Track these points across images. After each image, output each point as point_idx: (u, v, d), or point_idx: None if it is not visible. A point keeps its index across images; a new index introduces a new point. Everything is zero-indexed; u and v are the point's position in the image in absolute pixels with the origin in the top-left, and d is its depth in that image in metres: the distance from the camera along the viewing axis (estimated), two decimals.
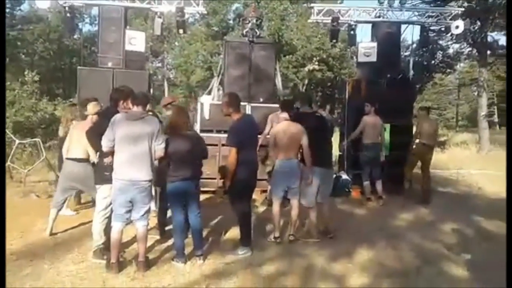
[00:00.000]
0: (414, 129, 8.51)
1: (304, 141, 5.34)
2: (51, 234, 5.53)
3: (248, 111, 8.63)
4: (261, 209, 7.39)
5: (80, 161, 5.34)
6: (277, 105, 8.24)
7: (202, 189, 7.05)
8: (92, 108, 5.34)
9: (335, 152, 10.15)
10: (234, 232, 5.58)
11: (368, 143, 8.19)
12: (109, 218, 4.56)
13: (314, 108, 6.68)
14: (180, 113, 4.89)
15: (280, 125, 5.58)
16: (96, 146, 4.53)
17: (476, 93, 24.61)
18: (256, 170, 5.17)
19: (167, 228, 5.54)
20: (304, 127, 5.41)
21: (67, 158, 5.48)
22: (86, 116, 5.42)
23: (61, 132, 6.76)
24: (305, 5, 24.87)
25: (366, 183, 8.29)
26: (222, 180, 5.18)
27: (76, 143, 5.35)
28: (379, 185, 8.20)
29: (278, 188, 5.59)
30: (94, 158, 5.01)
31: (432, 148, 8.67)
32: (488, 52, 19.91)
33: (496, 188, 9.58)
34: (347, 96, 9.85)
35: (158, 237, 5.46)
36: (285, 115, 5.65)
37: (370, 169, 8.26)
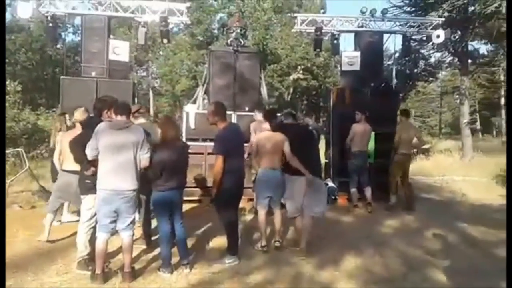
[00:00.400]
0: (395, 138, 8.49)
1: (286, 148, 5.31)
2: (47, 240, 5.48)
3: (233, 120, 8.66)
4: (249, 217, 7.36)
5: (75, 173, 5.16)
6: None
7: (187, 198, 7.07)
8: (79, 114, 5.30)
9: (321, 160, 10.23)
10: (220, 241, 5.55)
11: (355, 151, 8.25)
12: (94, 228, 4.50)
13: (300, 116, 6.73)
14: (170, 123, 4.91)
15: (262, 134, 5.63)
16: (79, 156, 4.47)
17: (458, 101, 24.99)
18: (243, 178, 5.17)
19: (152, 238, 5.49)
20: (288, 138, 5.38)
21: (63, 170, 5.41)
22: (73, 124, 5.37)
23: (52, 143, 6.72)
24: (289, 15, 25.14)
25: (353, 190, 8.34)
26: (204, 189, 5.14)
27: (68, 154, 5.27)
28: (368, 192, 8.25)
29: (262, 197, 5.57)
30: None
31: (410, 156, 8.77)
32: (469, 60, 20.26)
33: (479, 194, 9.73)
34: (331, 105, 9.92)
35: (144, 246, 5.40)
36: (266, 125, 5.65)
37: (357, 176, 8.32)
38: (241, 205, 8.02)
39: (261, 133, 5.72)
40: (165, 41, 10.00)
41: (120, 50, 9.26)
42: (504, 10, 14.99)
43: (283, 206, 5.66)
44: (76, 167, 5.03)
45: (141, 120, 5.45)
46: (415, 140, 8.58)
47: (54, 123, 6.90)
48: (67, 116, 6.95)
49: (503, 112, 32.51)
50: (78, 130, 5.11)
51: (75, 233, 4.88)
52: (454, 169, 13.60)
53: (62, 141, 5.53)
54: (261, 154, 5.47)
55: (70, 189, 5.20)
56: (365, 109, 8.52)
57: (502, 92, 30.98)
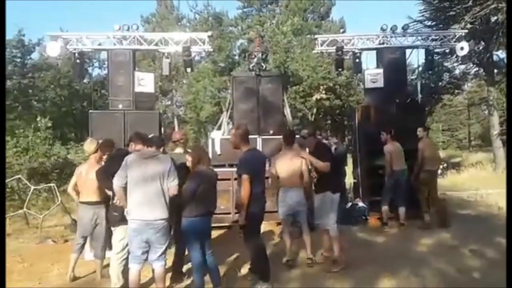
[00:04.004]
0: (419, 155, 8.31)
1: (304, 167, 5.72)
2: (73, 279, 5.46)
3: (258, 143, 8.67)
4: (278, 241, 7.27)
5: (90, 204, 5.31)
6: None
7: (217, 224, 7.07)
8: (87, 146, 5.37)
9: (349, 179, 10.10)
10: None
11: (397, 170, 8.08)
12: (127, 260, 4.52)
13: (324, 135, 6.77)
14: (201, 150, 5.06)
15: (281, 155, 5.93)
16: (107, 187, 4.55)
17: (486, 112, 24.45)
18: (265, 203, 5.18)
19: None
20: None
21: (80, 202, 5.46)
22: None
23: None
24: (308, 36, 25.29)
25: (385, 208, 8.16)
26: (237, 214, 5.11)
27: (83, 185, 5.36)
28: (402, 211, 8.08)
29: (284, 214, 5.89)
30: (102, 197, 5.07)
31: (436, 172, 8.57)
32: (495, 70, 19.90)
33: None
34: (357, 123, 9.84)
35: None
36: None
37: (392, 194, 8.16)
38: (269, 228, 8.04)
39: (280, 154, 5.99)
40: (188, 70, 10.19)
41: (145, 82, 9.47)
42: None
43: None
44: (92, 197, 5.11)
45: (179, 150, 5.52)
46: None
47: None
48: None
49: None
50: (92, 162, 5.24)
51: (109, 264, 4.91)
52: (487, 182, 13.18)
53: (78, 173, 5.54)
54: (281, 176, 5.78)
55: (86, 221, 5.26)
56: (391, 126, 8.40)
57: None
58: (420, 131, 8.40)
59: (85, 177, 5.30)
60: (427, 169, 8.14)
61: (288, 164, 5.74)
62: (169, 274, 5.15)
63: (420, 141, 8.33)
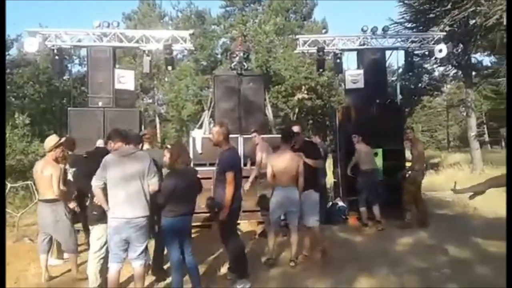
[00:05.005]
0: (408, 154, 8.52)
1: (301, 167, 5.61)
2: (47, 279, 5.37)
3: (240, 143, 8.67)
4: (258, 240, 7.28)
5: (47, 202, 5.15)
6: (268, 136, 8.32)
7: (198, 223, 7.05)
8: (47, 143, 5.20)
9: (329, 179, 10.17)
10: None
11: (364, 169, 8.21)
12: (105, 258, 4.47)
13: (306, 135, 6.78)
14: (180, 149, 4.91)
15: (279, 154, 5.79)
16: (86, 186, 4.49)
17: (464, 114, 24.90)
18: (241, 201, 5.21)
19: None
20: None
21: (39, 200, 5.31)
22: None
23: None
24: (290, 36, 25.36)
25: (363, 209, 8.27)
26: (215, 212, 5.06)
27: (39, 182, 5.22)
28: (376, 210, 8.19)
29: (276, 214, 5.78)
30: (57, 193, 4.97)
31: (423, 171, 8.72)
32: (473, 73, 20.28)
33: (491, 207, 9.56)
34: (337, 124, 9.92)
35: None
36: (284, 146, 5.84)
37: (366, 194, 8.25)
38: (250, 228, 8.05)
39: (278, 153, 5.85)
40: (169, 68, 10.14)
41: (125, 79, 9.38)
42: (505, 22, 15.04)
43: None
44: (50, 195, 5.01)
45: (146, 146, 5.47)
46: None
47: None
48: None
49: None
50: (49, 159, 5.12)
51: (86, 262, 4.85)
52: (465, 182, 13.31)
53: (34, 170, 5.37)
54: (278, 174, 5.64)
55: (46, 219, 5.15)
56: (372, 127, 8.53)
57: None
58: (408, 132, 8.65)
59: (41, 174, 5.15)
60: (414, 167, 8.31)
61: (286, 162, 5.64)
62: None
63: (410, 141, 8.49)
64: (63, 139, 5.35)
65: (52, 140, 5.24)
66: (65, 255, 5.93)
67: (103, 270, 4.48)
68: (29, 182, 9.79)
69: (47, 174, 5.05)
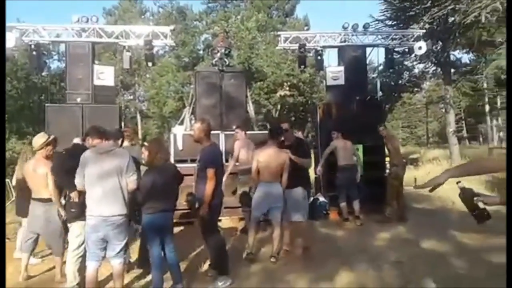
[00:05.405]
0: (387, 151, 8.62)
1: (287, 164, 5.61)
2: (26, 278, 5.27)
3: (221, 139, 8.65)
4: (239, 236, 7.29)
5: (41, 201, 5.04)
6: (250, 132, 8.33)
7: (179, 220, 7.01)
8: (36, 141, 5.07)
9: (311, 175, 10.22)
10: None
11: (342, 165, 8.28)
12: (83, 257, 4.42)
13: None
14: (157, 145, 4.87)
15: (266, 150, 5.75)
16: (63, 183, 4.43)
17: (443, 110, 25.29)
18: (223, 197, 5.18)
19: None
20: None
21: (32, 199, 5.18)
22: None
23: (18, 173, 6.13)
24: (273, 33, 25.39)
25: (343, 204, 8.35)
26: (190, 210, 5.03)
27: (32, 182, 5.10)
28: (356, 205, 8.27)
29: (259, 209, 5.75)
30: (54, 195, 4.86)
31: (404, 165, 8.82)
32: (452, 70, 20.61)
33: None
34: (318, 120, 9.98)
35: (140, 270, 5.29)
36: (271, 142, 5.81)
37: (346, 190, 8.32)
38: (232, 224, 8.05)
39: (264, 149, 5.82)
40: (150, 64, 10.06)
41: (105, 75, 9.28)
42: (483, 20, 15.32)
43: None
44: (44, 194, 4.92)
45: (126, 143, 5.42)
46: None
47: (23, 153, 6.26)
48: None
49: (488, 119, 32.93)
50: (40, 158, 5.01)
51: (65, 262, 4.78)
52: None
53: (26, 170, 5.25)
54: (263, 169, 5.64)
55: (38, 218, 5.05)
56: (352, 123, 8.61)
57: (486, 99, 31.40)
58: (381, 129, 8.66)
59: (33, 173, 5.04)
60: (394, 162, 8.42)
61: (271, 158, 5.62)
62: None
63: (384, 137, 8.58)
64: (52, 137, 5.24)
65: (41, 137, 5.12)
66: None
67: (82, 268, 4.42)
68: (6, 180, 9.60)
69: (42, 173, 4.92)
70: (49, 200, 4.95)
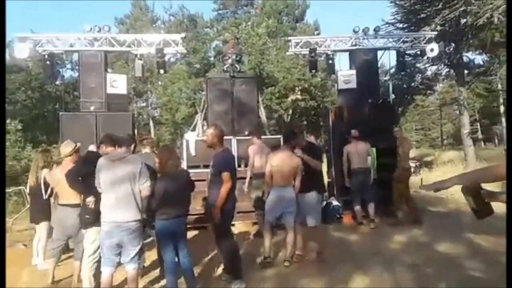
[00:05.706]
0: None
1: (300, 169, 5.63)
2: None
3: (233, 144, 8.68)
4: (252, 240, 7.29)
5: (72, 207, 5.07)
6: (264, 137, 8.35)
7: (193, 225, 7.04)
8: (64, 149, 5.19)
9: (324, 178, 10.21)
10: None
11: (356, 169, 8.24)
12: (99, 262, 4.46)
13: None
14: (168, 152, 4.92)
15: (279, 155, 5.80)
16: (77, 188, 4.50)
17: (457, 112, 25.02)
18: (236, 202, 5.20)
19: None
20: None
21: (60, 204, 5.27)
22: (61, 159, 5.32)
23: (31, 181, 6.29)
24: (283, 38, 25.41)
25: (357, 208, 8.30)
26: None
27: (63, 188, 5.11)
28: (371, 208, 8.22)
29: (272, 213, 5.75)
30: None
31: (409, 169, 8.78)
32: (466, 71, 20.40)
33: None
34: (331, 124, 9.96)
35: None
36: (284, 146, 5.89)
37: (360, 193, 8.28)
38: (245, 228, 8.06)
39: (277, 153, 5.88)
40: (161, 71, 10.14)
41: (117, 84, 9.39)
42: (496, 21, 15.17)
43: None
44: (74, 200, 4.99)
45: (147, 150, 5.50)
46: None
47: (35, 160, 6.42)
48: (50, 153, 6.82)
49: (503, 120, 32.52)
50: (68, 165, 5.07)
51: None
52: None
53: (53, 176, 5.39)
54: (275, 173, 5.67)
55: (69, 223, 5.12)
56: (365, 126, 8.58)
57: (501, 101, 31.01)
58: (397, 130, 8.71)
59: (62, 179, 5.09)
60: (403, 165, 8.37)
61: (285, 162, 5.65)
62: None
63: (397, 139, 8.54)
64: (78, 144, 5.35)
65: (69, 145, 5.27)
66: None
67: (97, 274, 4.46)
68: (21, 187, 9.76)
69: None
70: (78, 205, 5.01)
